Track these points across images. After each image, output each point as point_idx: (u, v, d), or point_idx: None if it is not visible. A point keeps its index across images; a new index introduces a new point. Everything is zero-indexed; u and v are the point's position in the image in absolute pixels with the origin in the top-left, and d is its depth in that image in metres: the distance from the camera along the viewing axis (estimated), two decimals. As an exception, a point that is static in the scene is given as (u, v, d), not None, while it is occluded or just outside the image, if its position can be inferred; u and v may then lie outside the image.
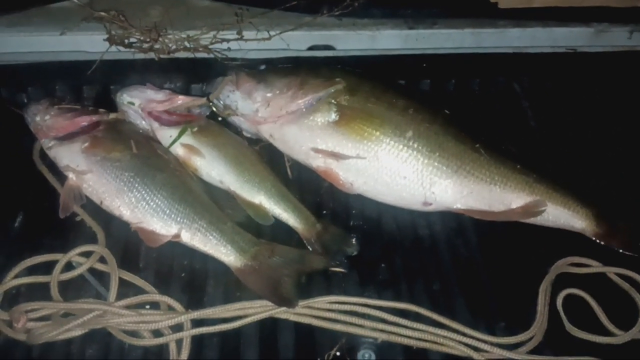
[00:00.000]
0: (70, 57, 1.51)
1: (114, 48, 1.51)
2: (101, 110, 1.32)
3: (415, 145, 1.25)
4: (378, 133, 1.25)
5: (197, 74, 1.49)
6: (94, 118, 1.27)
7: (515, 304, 1.18)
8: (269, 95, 1.29)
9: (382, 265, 1.23)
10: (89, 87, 1.46)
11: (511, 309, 1.17)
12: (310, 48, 1.61)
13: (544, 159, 1.38)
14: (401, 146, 1.25)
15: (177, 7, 1.63)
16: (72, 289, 1.15)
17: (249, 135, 1.35)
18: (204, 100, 1.31)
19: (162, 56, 1.52)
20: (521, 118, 1.49)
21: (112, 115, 1.31)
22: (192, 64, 1.50)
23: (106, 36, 1.53)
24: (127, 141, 1.24)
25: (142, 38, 1.55)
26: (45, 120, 1.27)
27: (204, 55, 1.55)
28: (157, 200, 1.19)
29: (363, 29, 1.65)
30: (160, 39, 1.55)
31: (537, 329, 1.14)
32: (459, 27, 1.66)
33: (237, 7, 1.61)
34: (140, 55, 1.51)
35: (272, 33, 1.58)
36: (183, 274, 1.19)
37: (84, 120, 1.26)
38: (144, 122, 1.30)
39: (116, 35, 1.54)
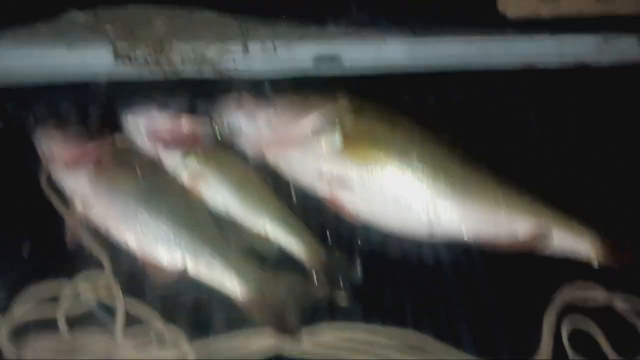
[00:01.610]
0: (76, 73, 1.50)
1: (120, 65, 1.50)
2: (107, 133, 1.31)
3: (420, 171, 1.25)
4: (383, 158, 1.25)
5: (202, 91, 1.48)
6: (100, 144, 1.27)
7: (520, 331, 1.18)
8: (272, 117, 1.29)
9: (387, 291, 1.23)
10: (95, 106, 1.45)
11: (516, 337, 1.18)
12: (316, 60, 1.60)
13: (550, 178, 1.36)
14: (406, 172, 1.25)
15: (181, 18, 1.62)
16: (79, 316, 1.15)
17: (253, 157, 1.34)
18: (208, 122, 1.30)
19: (167, 71, 1.51)
20: (527, 134, 1.47)
21: (118, 139, 1.30)
22: (197, 81, 1.49)
23: (111, 49, 1.52)
24: (133, 168, 1.25)
25: (147, 50, 1.55)
26: (52, 146, 1.27)
27: (209, 69, 1.54)
28: (162, 230, 1.20)
29: (369, 38, 1.63)
30: (164, 52, 1.54)
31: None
32: (466, 36, 1.64)
33: (242, 19, 1.60)
34: (146, 73, 1.50)
35: (277, 44, 1.57)
36: (188, 302, 1.20)
37: (90, 148, 1.26)
38: (149, 144, 1.29)
39: (121, 48, 1.53)
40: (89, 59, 1.54)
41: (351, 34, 1.63)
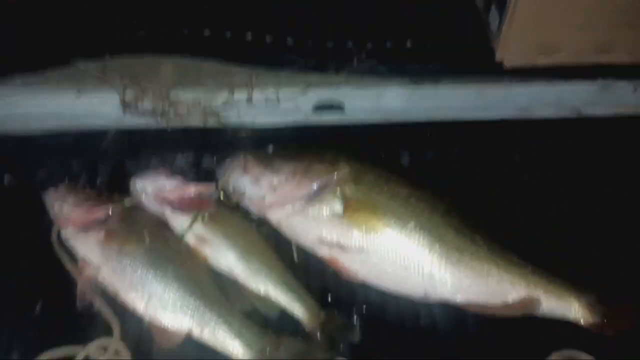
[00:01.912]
0: (85, 123, 1.55)
1: (128, 117, 1.55)
2: (116, 196, 1.36)
3: (417, 238, 1.30)
4: (381, 225, 1.30)
5: (208, 144, 1.53)
6: (109, 208, 1.32)
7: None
8: (275, 181, 1.34)
9: (385, 353, 1.28)
10: (104, 162, 1.50)
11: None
12: (318, 107, 1.64)
13: (545, 239, 1.41)
14: (403, 238, 1.30)
15: (187, 68, 1.66)
16: (91, 381, 1.21)
17: (257, 219, 1.39)
18: (213, 186, 1.35)
19: (172, 125, 1.56)
20: (522, 192, 1.52)
21: (127, 202, 1.35)
22: (203, 134, 1.54)
23: (119, 99, 1.57)
24: (141, 233, 1.30)
25: (153, 99, 1.59)
26: (63, 209, 1.32)
27: (214, 120, 1.58)
28: (168, 295, 1.25)
29: (369, 86, 1.67)
30: (171, 101, 1.59)
31: None
32: (463, 84, 1.68)
33: (247, 68, 1.64)
34: (153, 125, 1.54)
35: (280, 95, 1.62)
36: (194, 365, 1.25)
37: (100, 212, 1.31)
38: (156, 207, 1.35)
39: (128, 98, 1.58)
40: (97, 107, 1.58)
41: (352, 82, 1.66)
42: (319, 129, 1.58)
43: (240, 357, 1.23)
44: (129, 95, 1.58)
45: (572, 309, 1.28)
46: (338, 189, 1.32)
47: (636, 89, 1.70)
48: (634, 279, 1.37)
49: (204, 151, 1.54)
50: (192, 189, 1.34)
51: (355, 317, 1.32)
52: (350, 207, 1.30)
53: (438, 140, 1.59)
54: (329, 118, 1.60)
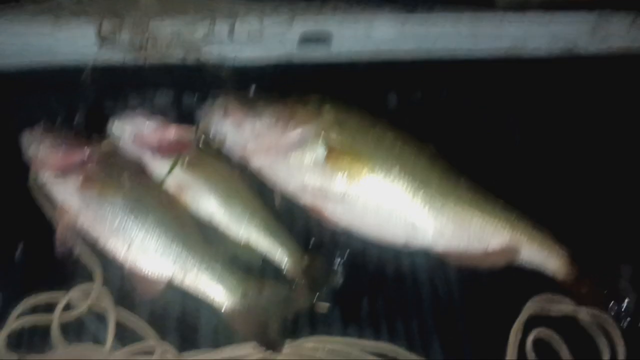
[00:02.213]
0: (60, 59, 1.49)
1: (105, 52, 1.49)
2: (94, 138, 1.33)
3: (400, 185, 1.28)
4: (365, 171, 1.28)
5: (188, 81, 1.49)
6: (87, 152, 1.29)
7: (489, 343, 1.25)
8: (257, 127, 1.31)
9: (365, 299, 1.29)
10: (81, 100, 1.46)
11: (484, 349, 1.25)
12: (304, 40, 1.58)
13: (531, 188, 1.41)
14: (386, 185, 1.28)
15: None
16: (73, 327, 1.22)
17: (239, 164, 1.37)
18: (193, 130, 1.32)
19: (151, 60, 1.50)
20: (510, 139, 1.50)
21: (105, 144, 1.32)
22: (183, 70, 1.49)
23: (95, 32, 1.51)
24: (120, 178, 1.27)
25: (132, 32, 1.53)
26: (39, 153, 1.29)
27: (195, 54, 1.53)
28: (149, 242, 1.24)
29: (359, 14, 1.61)
30: (150, 34, 1.53)
31: (505, 371, 1.22)
32: (456, 14, 1.62)
33: (230, -1, 1.57)
34: (131, 60, 1.49)
35: (264, 26, 1.56)
36: (177, 311, 1.25)
37: (78, 156, 1.28)
38: (135, 151, 1.32)
39: (105, 31, 1.52)
40: (73, 41, 1.51)
41: (341, 10, 1.60)
42: (304, 66, 1.52)
43: (222, 303, 1.22)
44: (106, 27, 1.51)
45: (551, 261, 1.27)
46: (321, 135, 1.28)
47: (634, 20, 1.63)
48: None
49: (183, 89, 1.49)
50: (171, 132, 1.31)
51: (337, 261, 1.31)
52: (334, 154, 1.28)
53: (427, 81, 1.54)
54: (315, 54, 1.54)
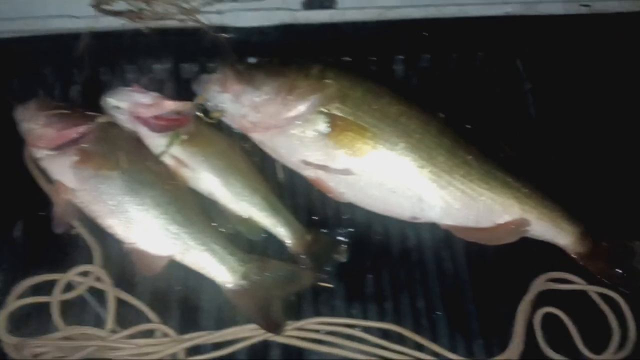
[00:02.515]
0: (55, 26, 1.44)
1: (101, 18, 1.44)
2: (90, 113, 1.29)
3: (406, 159, 1.24)
4: (369, 146, 1.24)
5: (186, 49, 1.43)
6: (83, 128, 1.25)
7: (496, 321, 1.23)
8: (257, 100, 1.26)
9: (369, 276, 1.27)
10: (76, 69, 1.42)
11: (491, 327, 1.22)
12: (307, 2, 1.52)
13: (544, 161, 1.37)
14: (392, 160, 1.24)
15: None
16: (73, 308, 1.21)
17: (240, 132, 1.32)
18: (191, 104, 1.27)
19: (149, 26, 1.45)
20: (522, 102, 1.44)
21: (101, 119, 1.28)
22: (182, 37, 1.43)
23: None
24: (117, 154, 1.24)
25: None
26: (34, 128, 1.25)
27: (194, 21, 1.47)
28: (149, 221, 1.21)
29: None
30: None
31: (513, 350, 1.20)
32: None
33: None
34: (128, 27, 1.43)
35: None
36: (178, 291, 1.24)
37: (73, 132, 1.25)
38: (132, 125, 1.28)
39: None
40: (68, 6, 1.46)
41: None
42: (307, 29, 1.44)
43: (224, 283, 1.20)
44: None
45: (563, 235, 1.23)
46: (324, 107, 1.23)
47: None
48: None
49: (182, 56, 1.44)
50: (169, 106, 1.26)
51: (341, 238, 1.28)
52: (337, 128, 1.24)
53: (436, 42, 1.46)
54: (319, 17, 1.47)
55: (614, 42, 1.50)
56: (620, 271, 1.23)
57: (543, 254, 1.26)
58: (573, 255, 1.24)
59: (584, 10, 1.51)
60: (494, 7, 1.50)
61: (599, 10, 1.51)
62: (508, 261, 1.27)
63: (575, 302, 1.23)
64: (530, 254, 1.26)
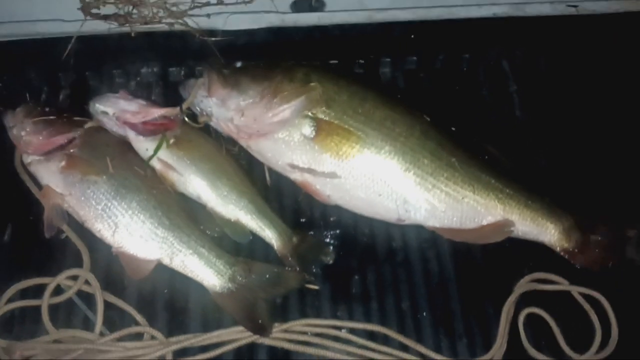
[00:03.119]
0: (45, 28, 1.44)
1: (89, 22, 1.44)
2: (77, 119, 1.30)
3: (391, 163, 1.25)
4: (354, 150, 1.25)
5: (174, 53, 1.44)
6: (70, 134, 1.27)
7: (480, 321, 1.24)
8: (242, 103, 1.27)
9: (355, 277, 1.28)
10: (64, 73, 1.43)
11: (475, 327, 1.24)
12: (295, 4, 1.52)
13: (529, 159, 1.39)
14: (377, 163, 1.25)
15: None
16: (62, 311, 1.23)
17: (226, 138, 1.33)
18: (177, 110, 1.28)
19: (137, 28, 1.45)
20: (508, 104, 1.45)
21: (88, 124, 1.29)
22: (169, 40, 1.44)
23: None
24: (104, 159, 1.25)
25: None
26: (22, 134, 1.26)
27: (182, 28, 1.47)
28: (136, 225, 1.23)
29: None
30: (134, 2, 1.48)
31: (497, 350, 1.22)
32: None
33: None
34: (115, 30, 1.44)
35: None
36: (166, 294, 1.25)
37: (61, 138, 1.26)
38: (120, 130, 1.29)
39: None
40: (55, 10, 1.46)
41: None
42: (296, 32, 1.45)
43: (211, 286, 1.22)
44: (90, -3, 1.46)
45: (546, 233, 1.25)
46: (309, 111, 1.24)
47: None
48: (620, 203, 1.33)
49: (170, 60, 1.44)
50: (155, 111, 1.27)
51: (327, 240, 1.29)
52: (322, 131, 1.25)
53: (424, 44, 1.47)
54: (308, 19, 1.47)
55: (602, 43, 1.50)
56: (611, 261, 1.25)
57: (528, 254, 1.28)
58: (559, 252, 1.25)
59: (571, 11, 1.51)
60: (482, 9, 1.50)
61: (586, 11, 1.50)
62: (493, 262, 1.28)
63: (558, 303, 1.25)
64: (515, 255, 1.27)
